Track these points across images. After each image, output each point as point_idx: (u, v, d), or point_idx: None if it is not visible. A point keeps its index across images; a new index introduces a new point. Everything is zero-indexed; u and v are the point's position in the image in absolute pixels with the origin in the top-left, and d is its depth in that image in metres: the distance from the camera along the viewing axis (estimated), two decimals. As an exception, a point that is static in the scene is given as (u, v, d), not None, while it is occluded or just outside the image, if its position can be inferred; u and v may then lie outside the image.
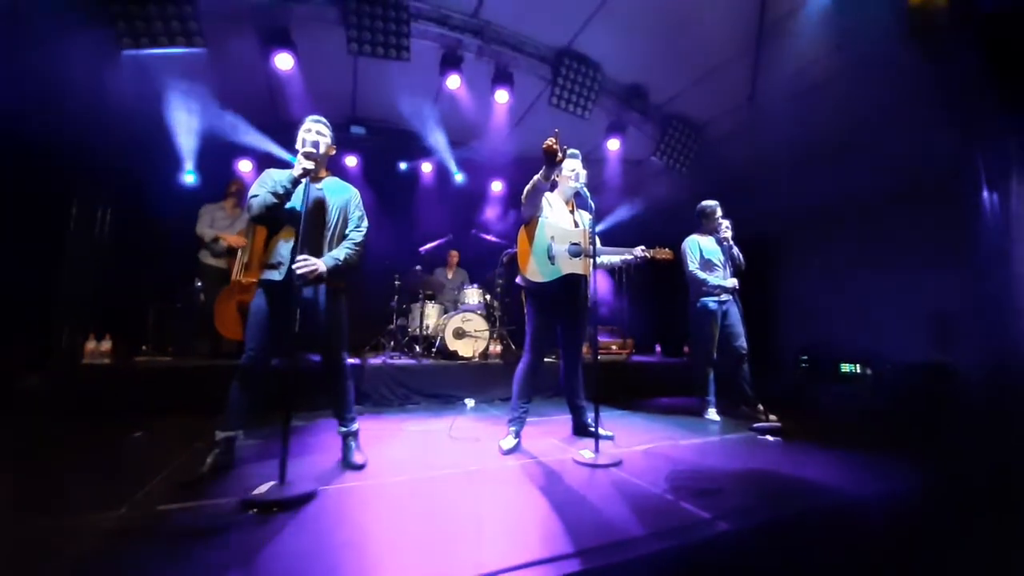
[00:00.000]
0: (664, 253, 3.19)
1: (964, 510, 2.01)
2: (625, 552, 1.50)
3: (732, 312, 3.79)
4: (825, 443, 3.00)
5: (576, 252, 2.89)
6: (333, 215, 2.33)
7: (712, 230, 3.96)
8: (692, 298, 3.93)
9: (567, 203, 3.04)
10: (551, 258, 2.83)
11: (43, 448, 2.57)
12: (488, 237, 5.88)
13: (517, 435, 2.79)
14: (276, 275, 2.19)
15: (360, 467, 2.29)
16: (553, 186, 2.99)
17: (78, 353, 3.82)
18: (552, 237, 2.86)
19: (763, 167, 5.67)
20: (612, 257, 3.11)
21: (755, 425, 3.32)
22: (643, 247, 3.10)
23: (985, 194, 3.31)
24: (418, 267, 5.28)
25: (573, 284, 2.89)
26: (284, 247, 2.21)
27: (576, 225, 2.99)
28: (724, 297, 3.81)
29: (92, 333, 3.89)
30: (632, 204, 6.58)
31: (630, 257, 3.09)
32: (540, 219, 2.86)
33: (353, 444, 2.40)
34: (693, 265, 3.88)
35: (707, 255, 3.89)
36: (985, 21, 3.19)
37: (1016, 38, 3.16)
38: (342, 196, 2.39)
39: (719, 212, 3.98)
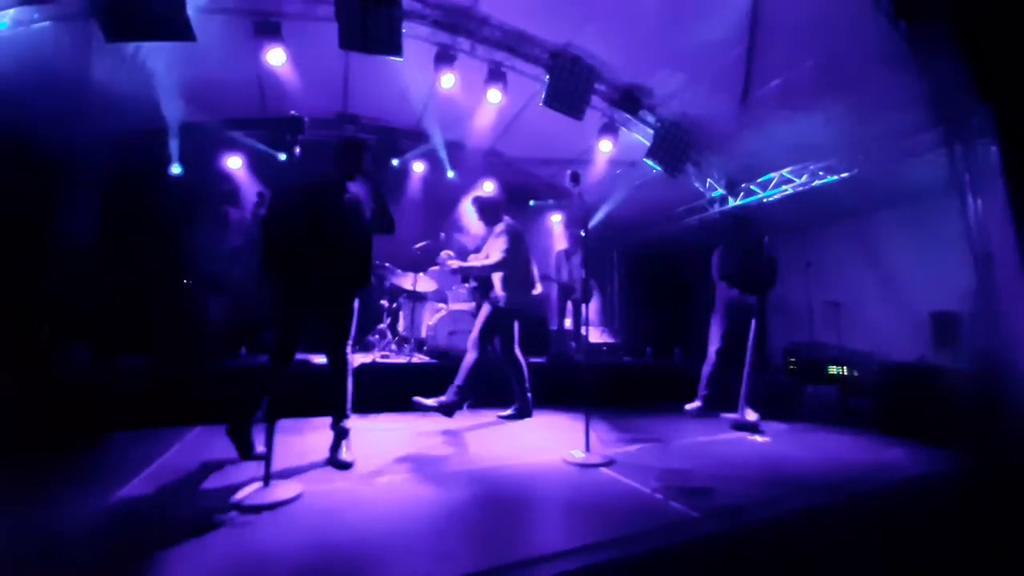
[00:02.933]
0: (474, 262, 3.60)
1: (951, 507, 2.04)
2: (614, 551, 1.49)
3: (754, 322, 3.75)
4: (812, 444, 3.03)
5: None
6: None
7: (744, 241, 3.98)
8: (717, 301, 4.00)
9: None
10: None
11: (21, 449, 2.50)
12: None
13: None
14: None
15: (347, 466, 2.27)
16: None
17: (57, 352, 3.73)
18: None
19: (755, 167, 5.72)
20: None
21: (740, 424, 3.33)
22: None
23: (969, 199, 3.37)
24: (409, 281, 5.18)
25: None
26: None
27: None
28: (747, 305, 3.80)
29: (71, 332, 3.80)
30: (623, 204, 6.60)
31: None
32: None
33: (343, 443, 2.39)
34: (722, 273, 3.94)
35: (736, 266, 3.90)
36: (971, 27, 3.25)
37: (998, 47, 3.23)
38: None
39: (752, 224, 4.03)
